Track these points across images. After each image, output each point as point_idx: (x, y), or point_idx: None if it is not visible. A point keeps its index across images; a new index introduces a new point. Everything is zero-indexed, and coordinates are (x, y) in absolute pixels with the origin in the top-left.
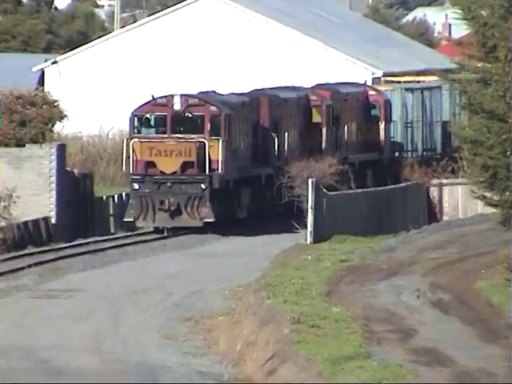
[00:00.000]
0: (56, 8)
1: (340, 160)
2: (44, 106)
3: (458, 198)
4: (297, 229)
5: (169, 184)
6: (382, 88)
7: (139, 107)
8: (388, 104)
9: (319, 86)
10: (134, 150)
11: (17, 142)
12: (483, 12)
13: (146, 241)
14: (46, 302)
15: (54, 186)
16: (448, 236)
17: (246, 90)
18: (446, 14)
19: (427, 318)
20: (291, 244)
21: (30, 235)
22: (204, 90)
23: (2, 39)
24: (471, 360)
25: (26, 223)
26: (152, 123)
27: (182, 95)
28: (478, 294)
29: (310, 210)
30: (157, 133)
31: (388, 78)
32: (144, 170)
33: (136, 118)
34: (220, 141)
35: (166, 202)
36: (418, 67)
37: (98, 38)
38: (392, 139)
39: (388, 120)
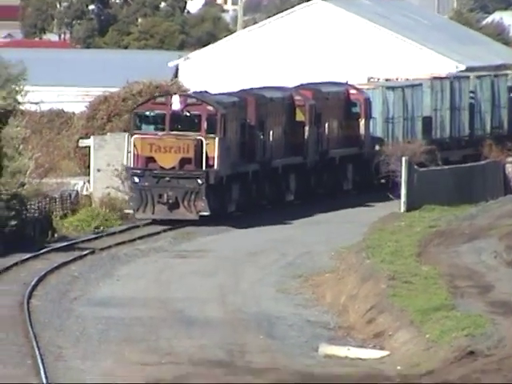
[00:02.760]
0: (188, 12)
1: (320, 155)
2: None
3: None
4: (392, 199)
5: (167, 179)
6: (363, 86)
7: (140, 105)
8: (368, 102)
9: (302, 86)
10: (135, 146)
11: None
12: None
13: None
14: (179, 261)
15: None
16: None
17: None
18: None
19: (503, 275)
20: (387, 212)
21: None
22: (198, 91)
23: (142, 38)
24: None
25: None
26: (151, 121)
27: (180, 95)
28: None
29: (403, 184)
30: (156, 130)
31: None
32: (144, 165)
33: (137, 116)
34: (216, 139)
35: (165, 195)
36: (495, 62)
37: (224, 38)
38: (372, 134)
39: (368, 117)
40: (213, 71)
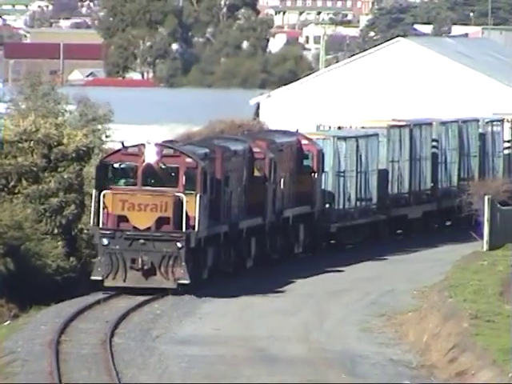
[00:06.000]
0: (270, 51)
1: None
2: None
3: None
4: (474, 238)
5: (142, 241)
6: (314, 137)
7: (108, 155)
8: (321, 154)
9: (256, 136)
10: (104, 203)
11: None
12: None
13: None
14: (260, 299)
15: None
16: None
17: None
18: None
19: None
20: (469, 251)
21: None
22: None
23: (225, 77)
24: None
25: None
26: (121, 174)
27: (155, 144)
28: None
29: (486, 222)
30: (126, 184)
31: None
32: (115, 225)
33: (105, 167)
34: (197, 196)
35: (139, 260)
36: None
37: (306, 76)
38: (323, 190)
39: (321, 171)
40: (294, 109)
